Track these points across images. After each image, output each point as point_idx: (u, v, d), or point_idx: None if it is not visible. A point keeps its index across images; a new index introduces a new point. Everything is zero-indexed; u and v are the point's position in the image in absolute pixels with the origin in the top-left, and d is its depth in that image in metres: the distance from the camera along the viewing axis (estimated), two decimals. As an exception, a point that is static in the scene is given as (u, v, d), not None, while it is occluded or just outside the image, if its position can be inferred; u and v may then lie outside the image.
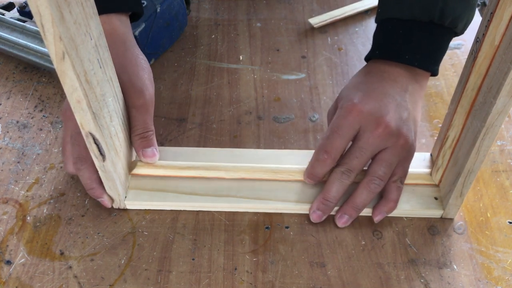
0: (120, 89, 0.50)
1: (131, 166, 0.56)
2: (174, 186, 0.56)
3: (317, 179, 0.54)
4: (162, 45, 0.73)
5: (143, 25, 0.67)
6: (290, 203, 0.54)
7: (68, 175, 0.58)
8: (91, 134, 0.45)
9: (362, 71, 0.57)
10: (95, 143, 0.46)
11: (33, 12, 0.35)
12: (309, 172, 0.54)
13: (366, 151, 0.50)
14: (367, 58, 0.58)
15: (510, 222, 0.54)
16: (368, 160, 0.51)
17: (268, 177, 0.56)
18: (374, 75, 0.54)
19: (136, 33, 0.66)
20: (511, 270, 0.50)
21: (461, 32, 0.55)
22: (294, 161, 0.57)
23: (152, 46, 0.70)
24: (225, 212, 0.55)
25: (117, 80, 0.49)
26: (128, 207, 0.55)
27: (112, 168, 0.49)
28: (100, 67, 0.44)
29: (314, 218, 0.53)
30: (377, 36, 0.58)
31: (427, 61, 0.54)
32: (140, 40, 0.67)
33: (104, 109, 0.46)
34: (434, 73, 0.55)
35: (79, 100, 0.42)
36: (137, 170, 0.56)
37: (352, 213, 0.52)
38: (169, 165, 0.56)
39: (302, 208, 0.54)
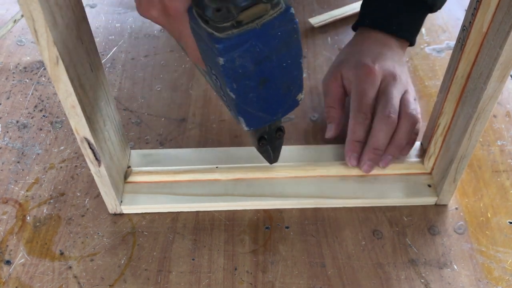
0: (111, 93, 0.50)
1: (126, 174, 0.56)
2: (170, 188, 0.56)
3: (361, 144, 0.56)
4: None
5: None
6: (288, 199, 0.54)
7: (68, 175, 0.58)
8: (86, 139, 0.45)
9: (357, 40, 0.64)
10: (90, 148, 0.46)
11: (26, 17, 0.35)
12: (352, 140, 0.56)
13: (395, 97, 0.57)
14: (355, 27, 0.66)
15: (511, 222, 0.54)
16: (398, 104, 0.57)
17: (264, 175, 0.56)
18: (372, 42, 0.62)
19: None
20: (511, 270, 0.50)
21: (436, 10, 0.64)
22: (290, 157, 0.58)
23: None
24: (225, 212, 0.55)
25: (107, 84, 0.49)
26: (124, 211, 0.55)
27: (107, 172, 0.49)
28: (92, 71, 0.44)
29: (365, 169, 0.55)
30: (367, 6, 0.66)
31: (411, 32, 0.64)
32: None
33: (97, 113, 0.46)
34: (413, 43, 0.65)
35: (73, 105, 0.42)
36: (132, 178, 0.56)
37: (374, 157, 0.55)
38: (164, 170, 0.56)
39: (300, 203, 0.54)
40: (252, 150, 0.59)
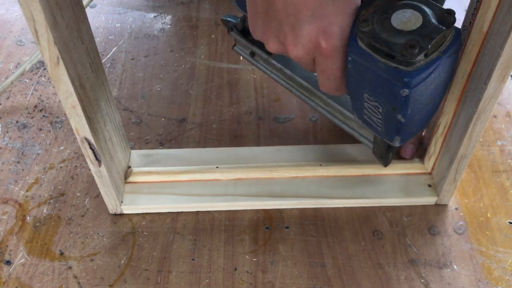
0: (111, 93, 0.50)
1: (126, 174, 0.56)
2: (170, 188, 0.56)
3: None
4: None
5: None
6: (288, 199, 0.54)
7: (68, 175, 0.58)
8: (86, 139, 0.45)
9: None
10: (91, 148, 0.46)
11: (26, 17, 0.35)
12: None
13: None
14: None
15: (511, 223, 0.54)
16: None
17: (264, 175, 0.56)
18: None
19: None
20: (511, 271, 0.50)
21: None
22: (290, 157, 0.58)
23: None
24: (225, 212, 0.55)
25: (108, 84, 0.49)
26: (125, 212, 0.55)
27: (107, 173, 0.49)
28: (92, 71, 0.44)
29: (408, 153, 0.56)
30: None
31: None
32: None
33: (98, 113, 0.46)
34: None
35: (74, 106, 0.42)
36: (133, 178, 0.56)
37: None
38: (164, 171, 0.56)
39: (300, 203, 0.55)
40: (252, 150, 0.59)
